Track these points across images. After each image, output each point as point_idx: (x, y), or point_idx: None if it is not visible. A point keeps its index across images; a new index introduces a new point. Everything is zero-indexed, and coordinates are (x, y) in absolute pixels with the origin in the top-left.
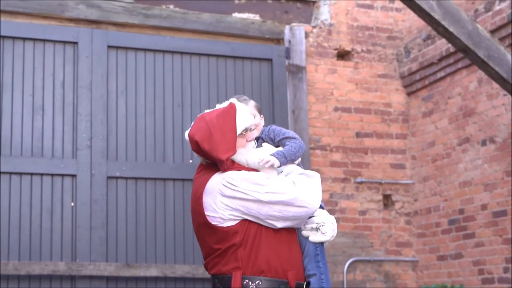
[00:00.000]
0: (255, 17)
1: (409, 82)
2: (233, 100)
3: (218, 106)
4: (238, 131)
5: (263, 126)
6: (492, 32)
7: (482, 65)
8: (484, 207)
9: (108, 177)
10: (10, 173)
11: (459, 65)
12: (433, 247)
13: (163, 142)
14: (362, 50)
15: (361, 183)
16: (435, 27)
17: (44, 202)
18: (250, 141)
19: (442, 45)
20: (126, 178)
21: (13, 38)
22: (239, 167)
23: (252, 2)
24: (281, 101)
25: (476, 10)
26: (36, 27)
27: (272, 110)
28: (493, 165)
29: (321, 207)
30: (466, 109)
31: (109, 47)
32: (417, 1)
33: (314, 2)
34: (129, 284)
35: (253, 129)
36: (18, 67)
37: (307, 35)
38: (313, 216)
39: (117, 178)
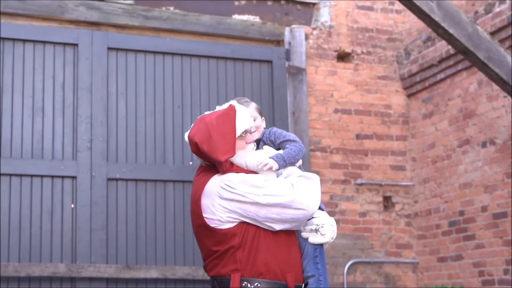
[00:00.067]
0: (255, 19)
1: (409, 84)
2: (233, 102)
3: (218, 108)
4: (238, 133)
5: (264, 128)
6: (492, 34)
7: (482, 67)
8: (484, 208)
9: (108, 179)
10: (10, 175)
11: (459, 67)
12: (433, 249)
13: (163, 144)
14: (362, 52)
15: (361, 184)
16: (435, 29)
17: (44, 204)
18: (249, 143)
19: (442, 46)
20: (126, 180)
21: (13, 40)
22: (238, 169)
23: (252, 4)
24: (281, 103)
25: (476, 12)
26: (36, 29)
27: (272, 112)
28: (493, 167)
29: (321, 208)
30: (466, 111)
31: (109, 49)
32: (417, 3)
33: (314, 4)
34: (129, 285)
35: (253, 131)
36: (18, 69)
37: (307, 37)
38: (313, 217)
39: (117, 180)
